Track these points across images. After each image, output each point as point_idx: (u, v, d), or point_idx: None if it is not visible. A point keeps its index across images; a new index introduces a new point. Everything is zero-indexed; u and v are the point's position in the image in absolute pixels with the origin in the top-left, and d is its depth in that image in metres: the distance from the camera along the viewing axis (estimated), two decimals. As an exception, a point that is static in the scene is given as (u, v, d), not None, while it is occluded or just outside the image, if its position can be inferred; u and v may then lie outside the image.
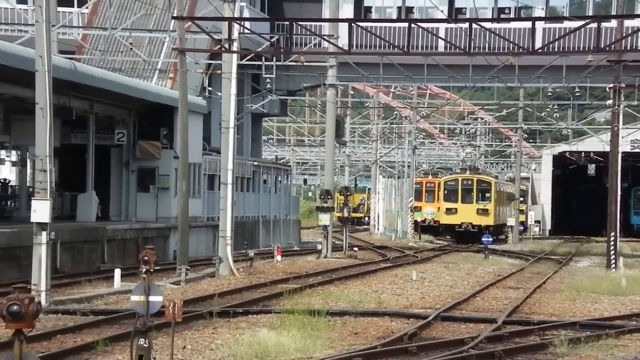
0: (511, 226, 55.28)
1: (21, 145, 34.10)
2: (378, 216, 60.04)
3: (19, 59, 23.90)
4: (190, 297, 20.01)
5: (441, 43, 41.54)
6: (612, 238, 30.77)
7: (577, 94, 46.18)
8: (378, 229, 59.70)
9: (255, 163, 44.46)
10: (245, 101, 43.07)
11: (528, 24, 27.02)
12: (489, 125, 76.08)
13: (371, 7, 47.64)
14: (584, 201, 71.95)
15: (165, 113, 33.92)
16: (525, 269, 32.66)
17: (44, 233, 18.17)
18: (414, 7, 47.20)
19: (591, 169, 68.29)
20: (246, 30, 29.71)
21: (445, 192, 53.88)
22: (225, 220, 27.01)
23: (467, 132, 75.88)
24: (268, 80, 40.65)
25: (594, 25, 23.78)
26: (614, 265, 30.63)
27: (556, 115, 58.77)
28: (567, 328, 17.03)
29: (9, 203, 37.39)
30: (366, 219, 72.62)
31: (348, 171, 79.37)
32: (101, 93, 30.51)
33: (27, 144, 31.49)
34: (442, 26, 42.83)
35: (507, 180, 66.27)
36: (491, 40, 34.82)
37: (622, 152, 34.28)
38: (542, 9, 45.60)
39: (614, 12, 41.91)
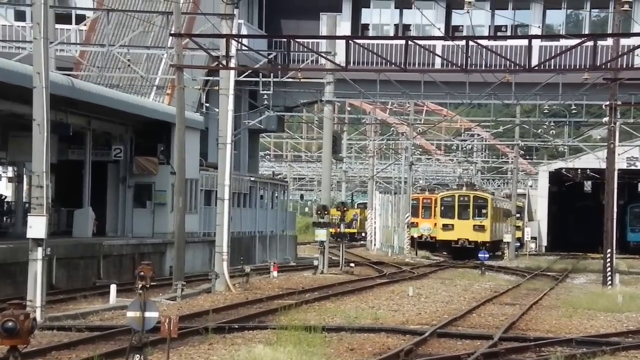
0: (507, 242, 55.30)
1: (18, 161, 34.10)
2: (375, 232, 60.02)
3: (17, 76, 23.94)
4: (186, 313, 19.98)
5: (438, 60, 41.67)
6: (609, 255, 30.79)
7: (574, 111, 46.33)
8: (374, 244, 59.67)
9: (252, 179, 44.49)
10: (242, 117, 43.13)
11: (524, 42, 27.19)
12: (485, 141, 76.22)
13: (368, 24, 47.83)
14: (580, 218, 71.99)
15: (162, 129, 33.97)
16: (521, 285, 32.65)
17: (39, 249, 18.16)
18: (410, 25, 47.39)
19: (587, 185, 68.33)
20: (244, 47, 29.80)
21: (442, 208, 53.91)
22: (221, 236, 27.01)
23: (464, 149, 76.01)
24: (265, 96, 40.75)
25: (590, 43, 23.89)
26: (610, 282, 30.64)
27: (552, 132, 58.94)
28: (564, 345, 17.03)
29: (4, 219, 37.34)
30: (363, 234, 72.55)
31: (345, 187, 79.45)
32: (98, 109, 30.56)
33: (24, 160, 31.49)
34: (439, 43, 42.97)
35: (503, 197, 66.32)
36: (488, 57, 34.90)
37: (618, 169, 34.39)
38: (539, 27, 45.80)
39: (610, 31, 42.12)
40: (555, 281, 35.27)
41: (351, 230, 75.52)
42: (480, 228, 52.81)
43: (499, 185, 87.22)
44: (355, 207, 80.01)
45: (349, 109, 67.88)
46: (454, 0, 44.30)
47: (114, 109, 30.87)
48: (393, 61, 28.01)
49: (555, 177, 68.41)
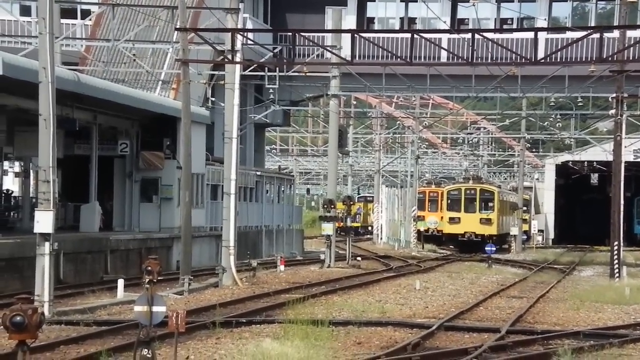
0: (514, 235, 55.25)
1: (24, 156, 34.16)
2: (381, 225, 60.02)
3: (23, 71, 23.97)
4: (194, 307, 20.02)
5: (444, 53, 41.58)
6: (616, 247, 30.74)
7: (580, 103, 46.14)
8: (381, 238, 59.67)
9: (258, 173, 44.50)
10: (248, 111, 43.13)
11: (530, 35, 27.10)
12: (491, 134, 76.12)
13: (374, 17, 47.74)
14: (587, 210, 71.89)
15: (168, 124, 33.98)
16: (528, 278, 32.62)
17: (47, 244, 18.19)
18: (416, 18, 47.30)
19: (594, 178, 68.20)
20: (249, 41, 29.81)
21: (448, 201, 53.87)
22: (228, 230, 27.03)
23: (470, 142, 75.91)
24: (271, 90, 40.72)
25: (597, 35, 23.82)
26: (617, 275, 30.60)
27: (559, 125, 58.77)
28: (571, 337, 17.02)
29: (12, 214, 37.42)
30: (369, 228, 72.48)
31: (351, 181, 79.46)
32: (104, 104, 30.58)
33: (31, 155, 31.54)
34: (445, 37, 42.88)
35: (510, 190, 66.24)
36: (494, 50, 34.87)
37: (625, 162, 34.26)
38: (545, 19, 45.65)
39: (616, 23, 41.95)
40: (562, 274, 35.23)
41: (355, 224, 75.53)
42: (487, 221, 52.76)
43: (505, 178, 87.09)
44: (356, 200, 79.91)
45: (354, 102, 67.78)
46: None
47: (120, 104, 30.88)
48: (399, 54, 27.99)
49: (562, 170, 68.28)
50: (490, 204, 53.39)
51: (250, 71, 36.35)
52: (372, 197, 76.41)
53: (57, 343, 14.97)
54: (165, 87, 39.16)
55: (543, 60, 28.36)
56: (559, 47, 33.48)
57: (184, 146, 26.76)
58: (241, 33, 26.69)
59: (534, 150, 77.53)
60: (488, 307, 22.10)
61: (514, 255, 49.86)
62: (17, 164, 40.50)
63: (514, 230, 55.25)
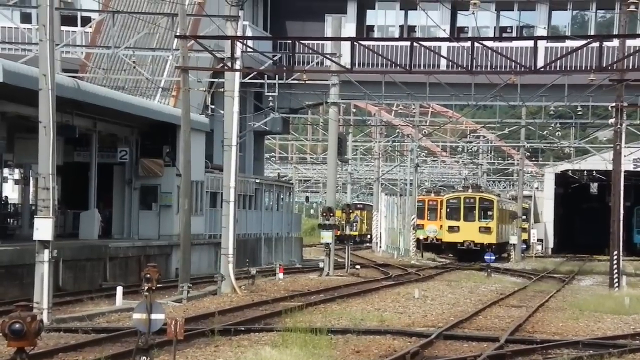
0: (513, 244, 55.24)
1: (24, 164, 34.17)
2: (380, 234, 60.02)
3: (23, 78, 23.98)
4: (192, 315, 20.00)
5: (443, 61, 41.63)
6: (615, 257, 30.73)
7: (580, 112, 46.21)
8: (380, 246, 59.66)
9: (258, 181, 44.51)
10: (247, 119, 43.16)
11: (530, 43, 27.15)
12: (491, 143, 76.18)
13: (373, 25, 47.81)
14: (586, 219, 71.90)
15: (167, 131, 34.01)
16: (527, 287, 32.60)
17: (46, 251, 18.18)
18: (416, 26, 47.37)
19: (593, 187, 68.26)
20: (249, 49, 29.82)
21: (448, 210, 53.88)
22: (227, 238, 27.01)
23: (469, 150, 75.96)
24: (270, 98, 40.76)
25: (596, 44, 23.85)
26: (617, 284, 30.59)
27: (558, 134, 58.82)
28: (570, 347, 17.00)
29: (11, 221, 37.40)
30: (368, 236, 72.41)
31: (350, 189, 79.41)
32: (104, 111, 30.61)
33: (30, 162, 31.54)
34: (444, 45, 42.94)
35: (509, 199, 66.24)
36: (493, 59, 34.93)
37: (625, 171, 34.29)
38: (544, 28, 45.73)
39: (615, 32, 42.02)
40: (561, 283, 35.21)
41: (353, 233, 75.39)
42: (486, 230, 52.76)
43: (504, 187, 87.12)
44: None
45: (354, 110, 67.86)
46: (459, 1, 44.31)
47: (119, 111, 30.90)
48: (398, 63, 28.02)
49: (561, 179, 68.31)
50: (490, 213, 53.39)
51: (249, 79, 36.37)
52: (363, 204, 76.29)
53: (55, 350, 14.94)
54: (165, 94, 39.19)
55: (542, 69, 28.36)
56: (559, 56, 33.53)
57: (183, 153, 26.76)
58: (241, 41, 26.71)
59: (533, 159, 77.57)
60: (487, 316, 22.08)
61: (513, 264, 49.83)
62: (16, 171, 40.49)
63: (513, 239, 55.23)
